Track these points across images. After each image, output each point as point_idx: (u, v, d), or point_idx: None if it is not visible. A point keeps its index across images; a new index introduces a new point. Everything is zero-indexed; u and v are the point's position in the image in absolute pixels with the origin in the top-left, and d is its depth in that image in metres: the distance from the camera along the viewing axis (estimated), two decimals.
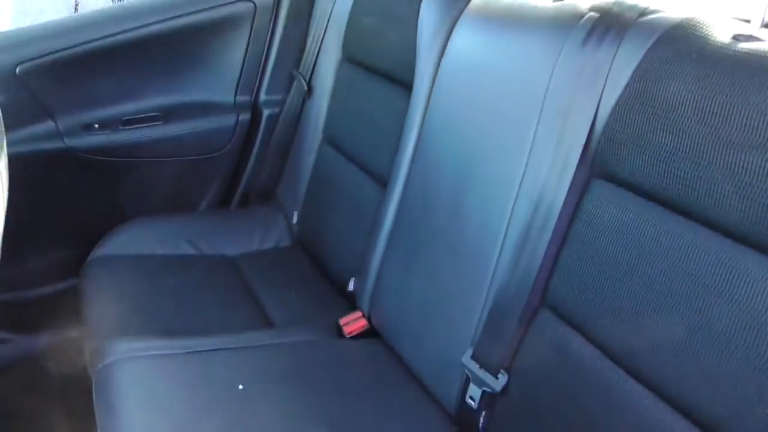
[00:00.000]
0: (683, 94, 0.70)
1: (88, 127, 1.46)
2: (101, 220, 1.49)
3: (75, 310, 1.31)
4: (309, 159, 1.50)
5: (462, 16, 1.09)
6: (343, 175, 1.38)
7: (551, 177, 0.84)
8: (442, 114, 1.10)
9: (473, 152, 1.01)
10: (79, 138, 1.44)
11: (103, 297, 1.25)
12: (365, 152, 1.32)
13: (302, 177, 1.52)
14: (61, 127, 1.42)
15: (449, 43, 1.10)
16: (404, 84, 1.20)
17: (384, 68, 1.28)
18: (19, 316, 1.50)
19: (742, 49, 0.68)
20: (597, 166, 0.81)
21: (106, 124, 1.47)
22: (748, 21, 0.71)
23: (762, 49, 0.66)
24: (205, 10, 1.49)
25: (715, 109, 0.66)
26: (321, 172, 1.47)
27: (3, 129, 0.81)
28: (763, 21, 0.93)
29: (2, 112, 0.85)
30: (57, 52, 1.38)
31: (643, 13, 0.81)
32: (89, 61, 1.42)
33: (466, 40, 1.07)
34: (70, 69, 1.41)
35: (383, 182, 1.22)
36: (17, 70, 1.34)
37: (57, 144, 1.42)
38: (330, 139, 1.45)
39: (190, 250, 1.44)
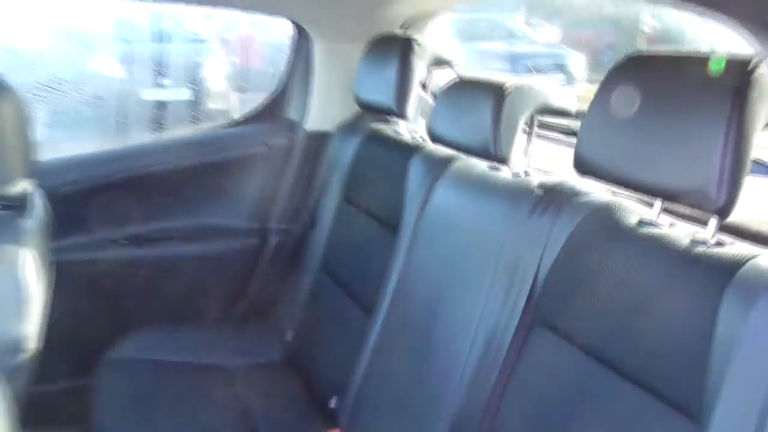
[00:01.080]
0: (600, 263, 0.88)
1: (114, 243, 1.66)
2: (112, 324, 1.65)
3: (81, 409, 1.44)
4: (306, 284, 1.68)
5: (443, 177, 1.31)
6: (334, 300, 1.55)
7: (500, 322, 1.01)
8: (421, 256, 1.29)
9: (443, 291, 1.18)
10: (105, 251, 1.64)
11: (113, 399, 1.39)
12: (355, 282, 1.50)
13: (299, 299, 1.69)
14: (91, 241, 1.62)
15: (431, 197, 1.31)
16: (392, 227, 1.40)
17: (376, 212, 1.49)
18: (27, 411, 1.62)
19: (643, 231, 0.86)
20: (538, 315, 0.98)
21: (132, 240, 1.67)
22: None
23: (657, 233, 0.85)
24: (228, 150, 1.74)
25: (621, 278, 0.84)
26: (316, 296, 1.65)
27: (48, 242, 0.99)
28: None
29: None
30: (96, 178, 1.61)
31: (578, 194, 1.01)
32: (123, 186, 1.64)
33: (443, 197, 1.28)
34: (106, 192, 1.63)
35: (369, 310, 1.39)
36: (62, 191, 1.57)
37: (85, 255, 1.61)
38: (326, 268, 1.64)
39: (193, 360, 1.59)
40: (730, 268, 0.73)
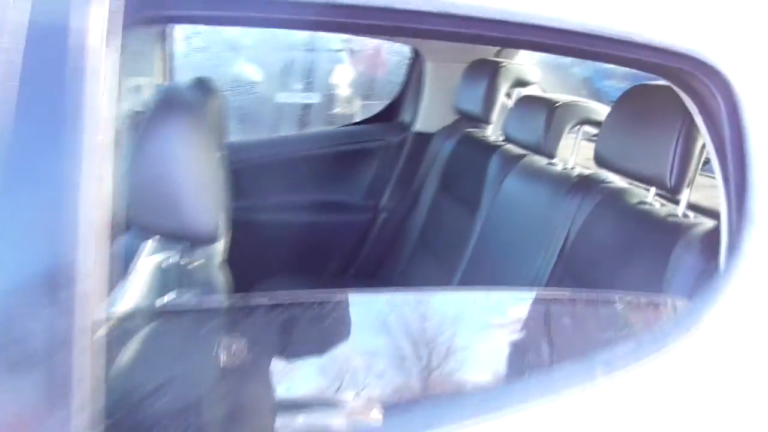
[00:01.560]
0: (605, 230, 1.28)
1: (268, 208, 2.19)
2: (258, 272, 2.17)
3: None
4: (406, 251, 2.15)
5: (514, 169, 1.73)
6: (425, 263, 2.02)
7: (539, 272, 1.42)
8: (492, 227, 1.72)
9: (505, 251, 1.61)
10: (261, 214, 2.17)
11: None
12: (442, 249, 1.95)
13: (400, 263, 2.16)
14: (252, 205, 2.15)
15: (503, 184, 1.73)
16: (473, 207, 1.83)
17: (462, 196, 1.93)
18: None
19: (638, 208, 1.25)
20: (567, 267, 1.38)
21: (281, 208, 2.19)
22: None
23: (647, 209, 1.23)
24: (354, 143, 2.25)
25: (617, 239, 1.24)
26: (411, 261, 2.11)
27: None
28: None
29: None
30: (256, 159, 2.17)
31: (602, 181, 1.40)
32: (280, 165, 2.18)
33: (512, 183, 1.70)
34: (267, 169, 2.17)
35: (452, 269, 1.82)
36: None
37: (244, 216, 2.16)
38: (422, 238, 2.10)
39: None
40: (683, 229, 1.11)
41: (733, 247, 0.77)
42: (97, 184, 0.54)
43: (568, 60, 5.16)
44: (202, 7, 0.68)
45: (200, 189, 0.80)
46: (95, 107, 0.54)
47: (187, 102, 0.88)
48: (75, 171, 0.53)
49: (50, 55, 0.54)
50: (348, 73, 7.42)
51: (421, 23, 0.71)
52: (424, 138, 2.21)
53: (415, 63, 2.24)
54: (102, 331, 0.55)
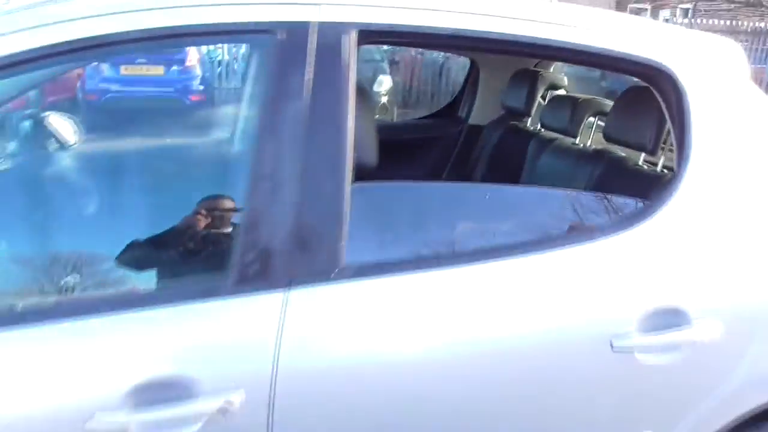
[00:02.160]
0: (612, 187, 1.90)
1: None
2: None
3: None
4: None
5: (547, 149, 2.34)
6: None
7: None
8: None
9: None
10: None
11: None
12: None
13: None
14: None
15: (538, 162, 2.34)
16: (514, 181, 2.45)
17: (506, 172, 2.55)
18: None
19: (631, 168, 1.86)
20: None
21: None
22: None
23: (638, 168, 1.84)
24: (420, 133, 2.90)
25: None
26: None
27: None
28: None
29: None
30: None
31: (610, 152, 2.01)
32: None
33: (544, 159, 2.32)
34: None
35: None
36: None
37: None
38: None
39: None
40: (657, 177, 1.73)
41: (677, 172, 1.39)
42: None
43: (597, 74, 5.76)
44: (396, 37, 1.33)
45: None
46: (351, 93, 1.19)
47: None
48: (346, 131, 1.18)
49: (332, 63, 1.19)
50: (388, 82, 8.15)
51: (483, 44, 1.36)
52: (476, 129, 2.84)
53: (472, 71, 2.88)
54: None
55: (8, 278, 1.29)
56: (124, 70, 8.87)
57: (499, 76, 2.72)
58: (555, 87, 2.57)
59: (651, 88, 1.50)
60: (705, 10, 18.13)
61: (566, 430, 1.31)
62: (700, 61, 1.42)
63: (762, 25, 14.95)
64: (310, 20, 1.20)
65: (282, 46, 1.19)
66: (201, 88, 9.33)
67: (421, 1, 1.29)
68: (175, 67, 9.06)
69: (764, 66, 14.01)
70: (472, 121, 2.86)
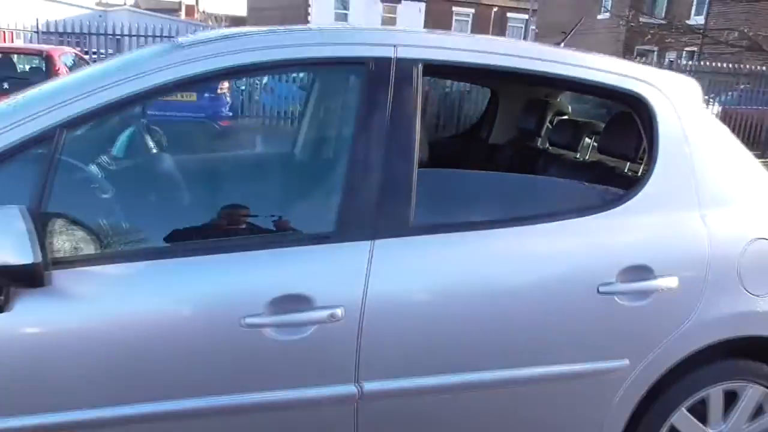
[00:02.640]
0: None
1: None
2: None
3: None
4: None
5: (553, 163, 2.89)
6: None
7: None
8: None
9: None
10: None
11: None
12: None
13: None
14: None
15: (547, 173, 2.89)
16: None
17: None
18: None
19: (620, 174, 2.40)
20: None
21: None
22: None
23: (623, 172, 2.38)
24: (444, 152, 3.44)
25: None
26: None
27: None
28: None
29: None
30: None
31: (603, 162, 2.55)
32: None
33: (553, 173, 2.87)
34: None
35: None
36: None
37: None
38: None
39: None
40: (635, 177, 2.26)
41: (648, 171, 1.92)
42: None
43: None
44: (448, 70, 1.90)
45: None
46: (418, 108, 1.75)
47: None
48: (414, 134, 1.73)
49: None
50: None
51: (505, 76, 1.92)
52: (496, 147, 3.39)
53: (492, 99, 3.44)
54: None
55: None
56: None
57: (515, 104, 3.27)
58: (561, 113, 3.11)
59: (632, 113, 2.05)
60: (709, 53, 18.84)
61: (564, 352, 1.82)
62: (667, 93, 1.97)
63: (764, 68, 15.59)
64: (391, 56, 1.76)
65: (371, 73, 1.75)
66: (230, 114, 9.97)
67: (462, 45, 1.86)
68: (206, 95, 9.68)
69: (765, 108, 14.58)
70: (492, 140, 3.40)
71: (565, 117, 3.13)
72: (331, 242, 1.68)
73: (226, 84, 10.01)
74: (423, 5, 42.88)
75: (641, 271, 1.83)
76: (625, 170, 2.42)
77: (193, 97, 9.63)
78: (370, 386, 1.68)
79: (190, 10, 56.55)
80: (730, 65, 16.03)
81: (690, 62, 20.57)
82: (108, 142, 2.19)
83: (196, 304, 1.59)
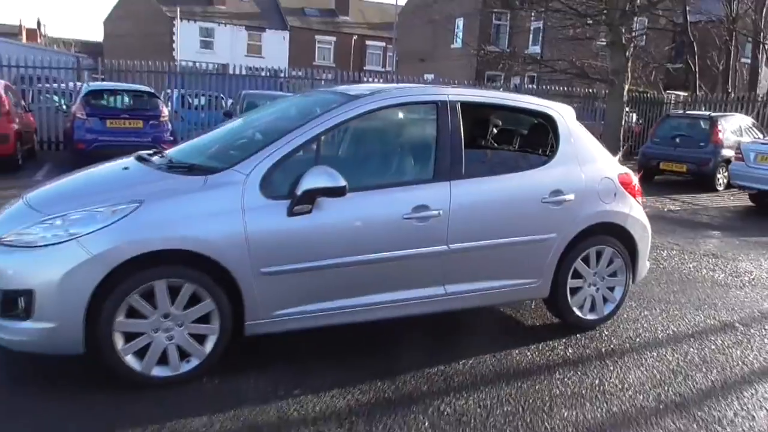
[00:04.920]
0: None
1: None
2: None
3: None
4: None
5: None
6: None
7: None
8: None
9: None
10: None
11: None
12: None
13: None
14: None
15: None
16: None
17: None
18: None
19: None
20: None
21: None
22: None
23: None
24: None
25: None
26: None
27: None
28: None
29: None
30: None
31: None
32: None
33: None
34: None
35: None
36: None
37: None
38: None
39: None
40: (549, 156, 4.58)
41: (554, 151, 4.22)
42: None
43: None
44: (471, 106, 4.14)
45: None
46: (461, 126, 3.95)
47: None
48: (461, 137, 3.93)
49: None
50: None
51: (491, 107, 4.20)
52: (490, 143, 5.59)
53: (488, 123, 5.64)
54: None
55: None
56: (110, 123, 10.85)
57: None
58: (497, 125, 5.38)
59: (542, 123, 4.36)
60: (548, 79, 22.54)
61: (527, 230, 4.03)
62: (561, 112, 4.30)
63: (591, 90, 19.35)
64: (446, 100, 3.92)
65: (439, 106, 3.89)
66: (171, 138, 11.45)
67: (474, 93, 4.11)
68: (150, 122, 11.14)
69: (593, 122, 18.23)
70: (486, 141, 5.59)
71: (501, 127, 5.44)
72: (433, 182, 3.78)
73: (166, 112, 11.54)
74: (287, 33, 44.98)
75: (558, 192, 4.10)
76: (541, 151, 4.71)
77: (140, 124, 11.13)
78: (452, 246, 3.79)
79: (32, 34, 54.06)
80: (564, 88, 19.66)
81: (532, 86, 24.44)
82: (336, 141, 4.12)
83: (385, 209, 3.62)
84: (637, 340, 4.29)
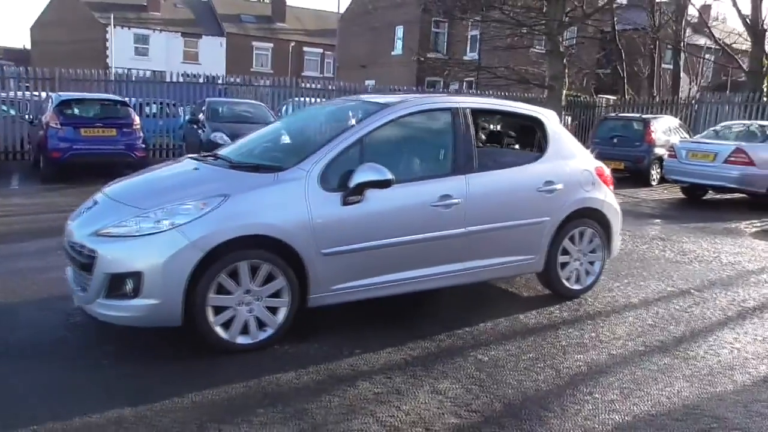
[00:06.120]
0: None
1: None
2: None
3: None
4: None
5: None
6: None
7: None
8: None
9: None
10: None
11: None
12: None
13: None
14: None
15: None
16: None
17: None
18: None
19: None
20: None
21: None
22: None
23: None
24: None
25: None
26: None
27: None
28: None
29: None
30: None
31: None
32: None
33: None
34: None
35: None
36: None
37: None
38: None
39: None
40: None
41: (544, 150, 5.05)
42: None
43: None
44: (480, 112, 4.91)
45: None
46: (473, 128, 4.72)
47: None
48: (472, 138, 4.70)
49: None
50: None
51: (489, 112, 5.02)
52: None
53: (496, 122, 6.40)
54: None
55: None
56: (84, 132, 11.08)
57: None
58: (497, 127, 6.14)
59: (534, 125, 5.18)
60: (485, 84, 23.70)
61: (526, 214, 4.82)
62: (547, 116, 5.14)
63: (529, 95, 20.58)
64: (458, 107, 4.67)
65: (453, 113, 4.64)
66: (143, 146, 11.74)
67: (478, 101, 4.90)
68: (124, 130, 11.42)
69: None
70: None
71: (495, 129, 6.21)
72: (453, 175, 4.52)
73: (137, 121, 11.84)
74: (224, 40, 44.89)
75: (550, 183, 4.92)
76: (533, 148, 5.49)
77: (113, 132, 11.41)
78: (469, 228, 4.53)
79: None
80: (503, 93, 20.82)
81: (471, 90, 25.64)
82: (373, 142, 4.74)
83: (417, 198, 4.33)
84: (616, 304, 5.16)
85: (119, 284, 3.64)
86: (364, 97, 5.30)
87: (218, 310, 3.76)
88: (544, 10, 17.24)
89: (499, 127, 5.45)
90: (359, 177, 4.01)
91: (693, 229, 8.82)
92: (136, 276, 3.58)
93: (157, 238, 3.62)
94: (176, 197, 3.83)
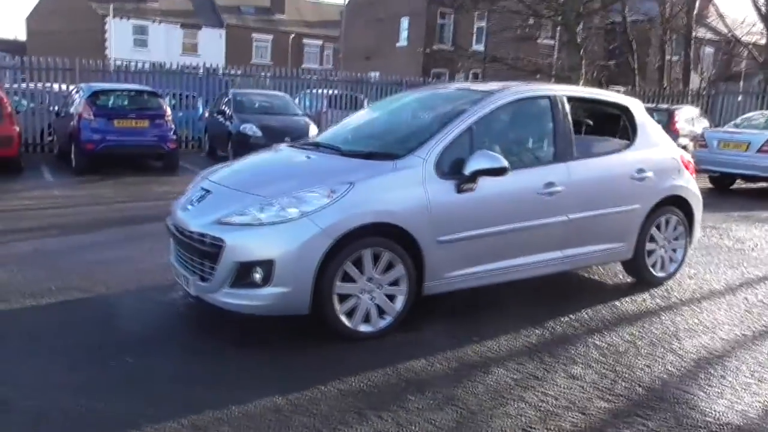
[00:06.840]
0: None
1: None
2: None
3: None
4: None
5: None
6: None
7: None
8: None
9: None
10: None
11: None
12: None
13: None
14: None
15: None
16: None
17: None
18: None
19: None
20: None
21: None
22: None
23: None
24: None
25: None
26: None
27: None
28: None
29: None
30: None
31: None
32: None
33: None
34: None
35: None
36: None
37: None
38: None
39: None
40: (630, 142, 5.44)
41: (632, 139, 5.07)
42: None
43: None
44: (573, 100, 4.93)
45: None
46: (569, 114, 4.74)
47: None
48: (570, 124, 4.72)
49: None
50: None
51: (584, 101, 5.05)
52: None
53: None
54: None
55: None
56: (118, 123, 10.99)
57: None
58: (590, 115, 6.07)
59: (622, 113, 5.20)
60: (492, 75, 23.68)
61: (621, 202, 4.85)
62: (633, 105, 5.16)
63: None
64: (556, 95, 4.68)
65: (552, 101, 4.65)
66: (174, 137, 11.65)
67: (573, 89, 4.92)
68: (156, 121, 11.34)
69: None
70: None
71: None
72: (555, 163, 4.54)
73: (169, 112, 11.74)
74: (223, 32, 44.58)
75: (642, 170, 4.94)
76: (624, 136, 5.48)
77: (146, 123, 11.34)
78: (570, 216, 4.55)
79: None
80: None
81: (477, 81, 25.61)
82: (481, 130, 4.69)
83: (526, 185, 4.34)
84: (702, 291, 5.20)
85: (247, 273, 3.62)
86: (459, 85, 5.29)
87: (342, 298, 3.76)
88: (561, 1, 17.24)
89: (589, 115, 5.46)
90: (475, 164, 4.01)
91: (738, 218, 8.88)
92: (268, 264, 3.57)
93: (288, 226, 3.61)
94: (297, 185, 3.82)
